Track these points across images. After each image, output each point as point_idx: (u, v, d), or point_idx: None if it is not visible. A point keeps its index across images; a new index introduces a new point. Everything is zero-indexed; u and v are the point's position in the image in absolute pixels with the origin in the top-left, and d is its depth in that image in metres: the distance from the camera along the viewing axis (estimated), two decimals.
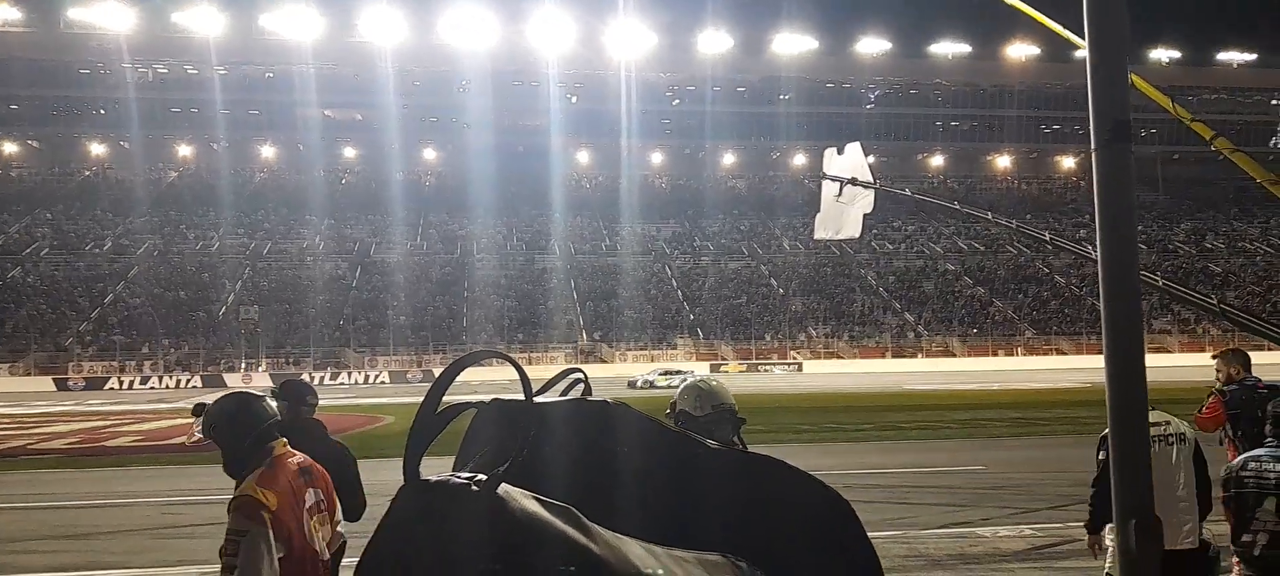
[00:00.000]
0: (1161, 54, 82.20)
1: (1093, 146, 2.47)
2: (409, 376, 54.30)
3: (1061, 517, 9.76)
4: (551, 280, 66.97)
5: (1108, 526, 5.54)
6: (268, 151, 79.56)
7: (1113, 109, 2.45)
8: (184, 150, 78.84)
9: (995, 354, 61.23)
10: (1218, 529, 5.22)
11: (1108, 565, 5.44)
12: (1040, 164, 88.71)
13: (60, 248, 67.24)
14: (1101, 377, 2.38)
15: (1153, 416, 5.26)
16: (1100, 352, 2.44)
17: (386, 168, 76.15)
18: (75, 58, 72.05)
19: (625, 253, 71.37)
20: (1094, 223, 2.51)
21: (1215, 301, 5.74)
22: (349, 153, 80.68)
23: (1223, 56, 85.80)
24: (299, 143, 77.30)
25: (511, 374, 1.72)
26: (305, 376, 48.81)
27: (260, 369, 55.06)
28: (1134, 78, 3.83)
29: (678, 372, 46.51)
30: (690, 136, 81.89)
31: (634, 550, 1.59)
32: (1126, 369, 2.48)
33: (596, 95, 78.04)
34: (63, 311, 60.54)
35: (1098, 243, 2.46)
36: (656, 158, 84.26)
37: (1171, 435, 5.27)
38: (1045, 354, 61.20)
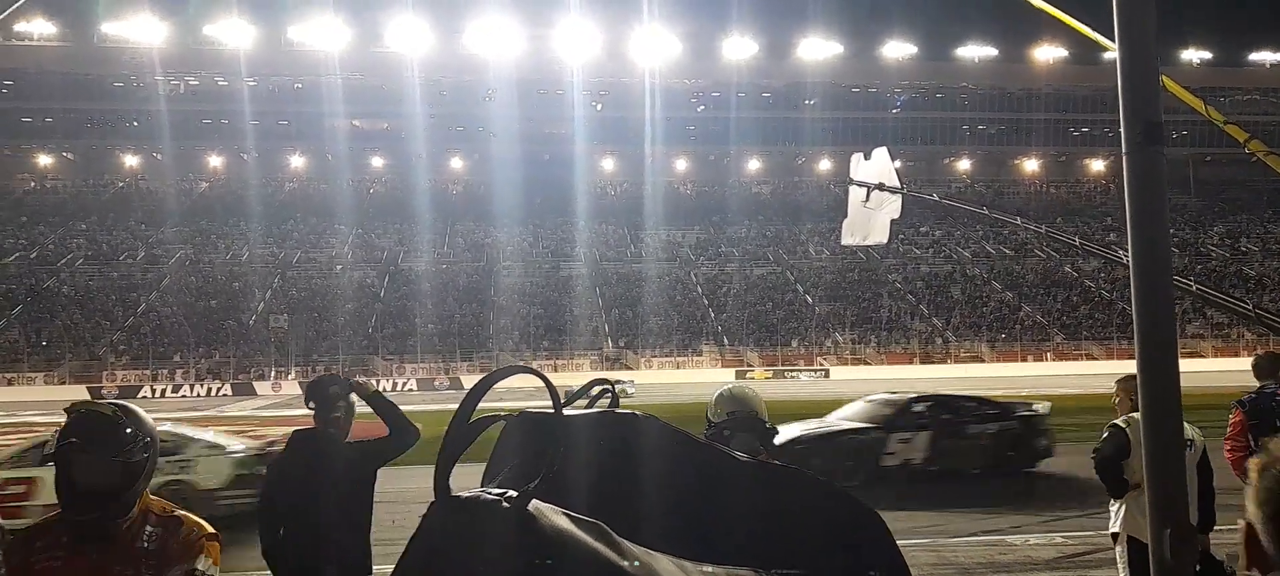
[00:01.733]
0: (1193, 55, 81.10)
1: (1124, 150, 2.44)
2: (436, 383, 54.55)
3: (1093, 525, 9.63)
4: (577, 287, 67.09)
5: (1114, 533, 5.47)
6: (297, 161, 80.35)
7: (1144, 112, 2.42)
8: (214, 161, 79.78)
9: (1024, 359, 60.59)
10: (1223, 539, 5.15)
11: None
12: (1069, 167, 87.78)
13: (94, 258, 68.27)
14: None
15: None
16: (1132, 357, 2.41)
17: (413, 177, 76.66)
18: (109, 71, 73.16)
19: (650, 259, 71.38)
20: (1125, 226, 2.48)
21: (1250, 306, 5.66)
22: (376, 162, 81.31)
23: (1255, 57, 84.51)
24: (327, 153, 78.02)
25: (538, 381, 1.72)
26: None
27: (290, 376, 55.55)
28: (1165, 80, 3.78)
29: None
30: (715, 142, 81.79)
31: (664, 566, 1.59)
32: (1159, 374, 2.45)
33: (621, 102, 78.21)
34: (97, 321, 61.42)
35: (1129, 246, 2.43)
36: (681, 164, 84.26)
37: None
38: (1075, 359, 60.47)
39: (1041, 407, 15.29)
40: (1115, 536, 5.47)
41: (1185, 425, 5.19)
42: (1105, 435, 5.45)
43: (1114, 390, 5.78)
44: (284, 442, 4.89)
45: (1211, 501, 5.28)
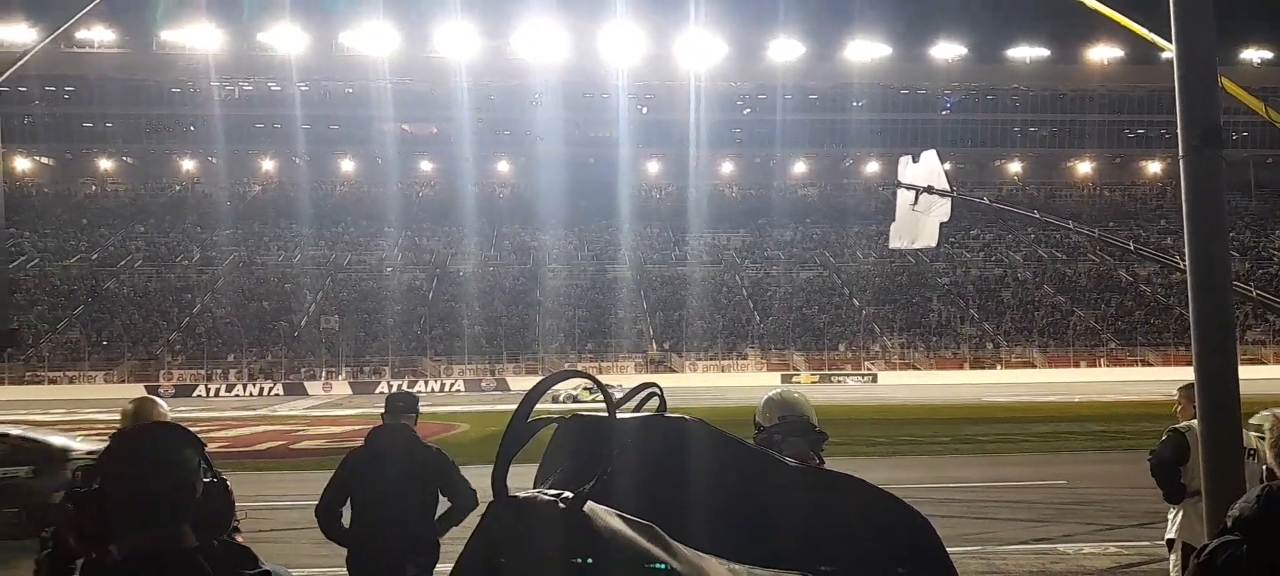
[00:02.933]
0: (1252, 55, 78.90)
1: (1181, 154, 2.41)
2: (483, 385, 55.04)
3: (1148, 535, 9.43)
4: (621, 290, 67.25)
5: (1170, 540, 5.38)
6: (347, 165, 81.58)
7: (1202, 115, 2.38)
8: (267, 165, 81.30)
9: (1077, 365, 59.46)
10: None
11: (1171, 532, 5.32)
12: (1124, 169, 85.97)
13: (152, 259, 69.95)
14: None
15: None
16: (1190, 364, 2.38)
17: (461, 180, 77.43)
18: (167, 77, 74.93)
19: (695, 262, 71.31)
20: (1183, 231, 2.44)
21: None
22: (425, 166, 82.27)
23: None
24: (377, 156, 79.10)
25: (584, 383, 1.75)
26: (383, 387, 49.99)
27: (340, 377, 56.43)
28: (1223, 81, 3.71)
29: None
30: (761, 145, 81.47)
31: (714, 568, 1.61)
32: (1219, 381, 2.41)
33: (667, 105, 78.28)
34: (154, 321, 62.94)
35: (1186, 251, 2.39)
36: (727, 167, 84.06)
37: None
38: (1130, 365, 59.21)
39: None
40: (1171, 543, 5.37)
41: (1248, 434, 5.10)
42: (1164, 439, 5.36)
43: (1176, 397, 5.68)
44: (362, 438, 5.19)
45: None
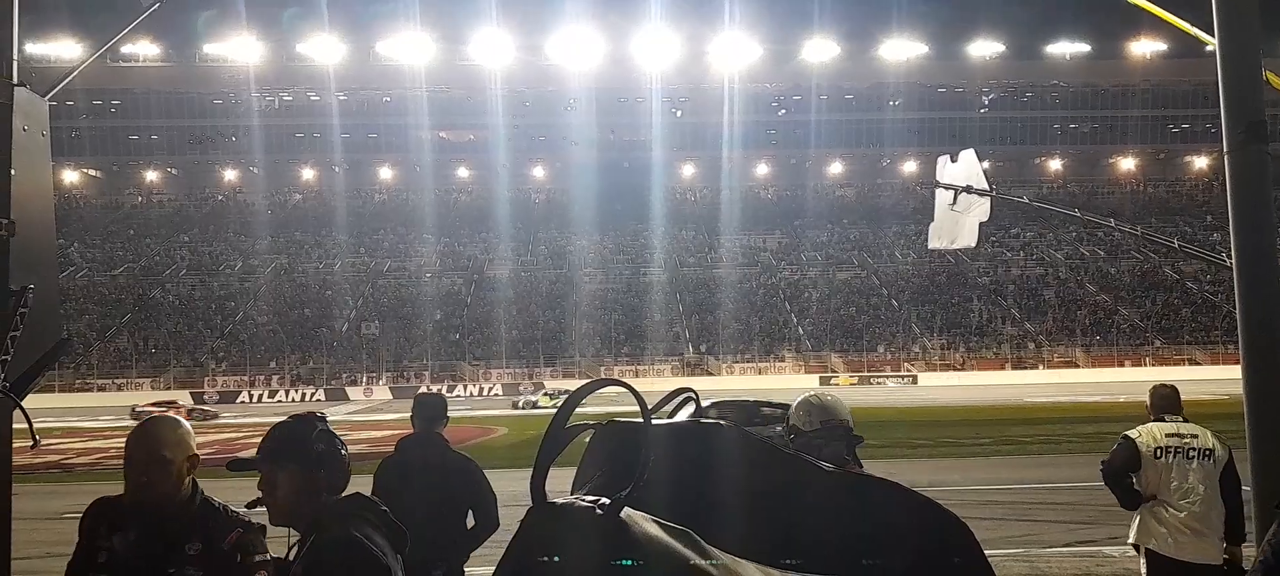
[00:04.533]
0: None
1: (1225, 149, 2.37)
2: (521, 388, 55.22)
3: None
4: (656, 293, 67.25)
5: (1135, 544, 5.37)
6: (385, 173, 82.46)
7: (1246, 110, 2.34)
8: (307, 174, 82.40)
9: (1121, 364, 58.42)
10: None
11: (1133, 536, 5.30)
12: (1167, 165, 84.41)
13: (196, 269, 71.21)
14: (1239, 389, 2.27)
15: (1179, 428, 5.05)
16: (1237, 362, 2.34)
17: (497, 186, 77.94)
18: (209, 89, 76.30)
19: (730, 264, 71.11)
20: (1228, 226, 2.40)
21: None
22: (462, 172, 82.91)
23: None
24: (415, 164, 79.86)
25: (619, 388, 1.76)
26: (425, 388, 50.23)
27: (380, 382, 57.01)
28: (1268, 74, 3.64)
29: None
30: (796, 146, 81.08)
31: (751, 573, 1.61)
32: (1267, 379, 2.37)
33: (701, 108, 78.19)
34: (198, 329, 64.04)
35: (1231, 246, 2.35)
36: (762, 168, 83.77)
37: (1195, 449, 5.04)
38: (1176, 364, 58.03)
39: None
40: (1136, 547, 5.34)
41: (1209, 436, 5.05)
42: (1115, 446, 5.36)
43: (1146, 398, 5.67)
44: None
45: (1241, 514, 5.09)
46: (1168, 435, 5.15)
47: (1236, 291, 2.31)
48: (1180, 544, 5.06)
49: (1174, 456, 5.06)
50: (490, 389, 56.23)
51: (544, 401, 41.54)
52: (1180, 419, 5.20)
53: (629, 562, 1.45)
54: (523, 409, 39.39)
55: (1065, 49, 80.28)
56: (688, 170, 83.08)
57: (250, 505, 2.44)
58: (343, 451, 2.44)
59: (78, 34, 60.38)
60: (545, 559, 1.47)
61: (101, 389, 56.25)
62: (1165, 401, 5.27)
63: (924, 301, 66.74)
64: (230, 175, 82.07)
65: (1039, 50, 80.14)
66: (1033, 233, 74.10)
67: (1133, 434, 5.27)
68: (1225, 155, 2.38)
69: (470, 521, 5.04)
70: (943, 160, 6.76)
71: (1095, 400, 35.22)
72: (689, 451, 1.96)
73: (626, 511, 1.49)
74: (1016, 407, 31.99)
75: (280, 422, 2.46)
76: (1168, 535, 5.10)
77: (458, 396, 55.15)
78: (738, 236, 74.10)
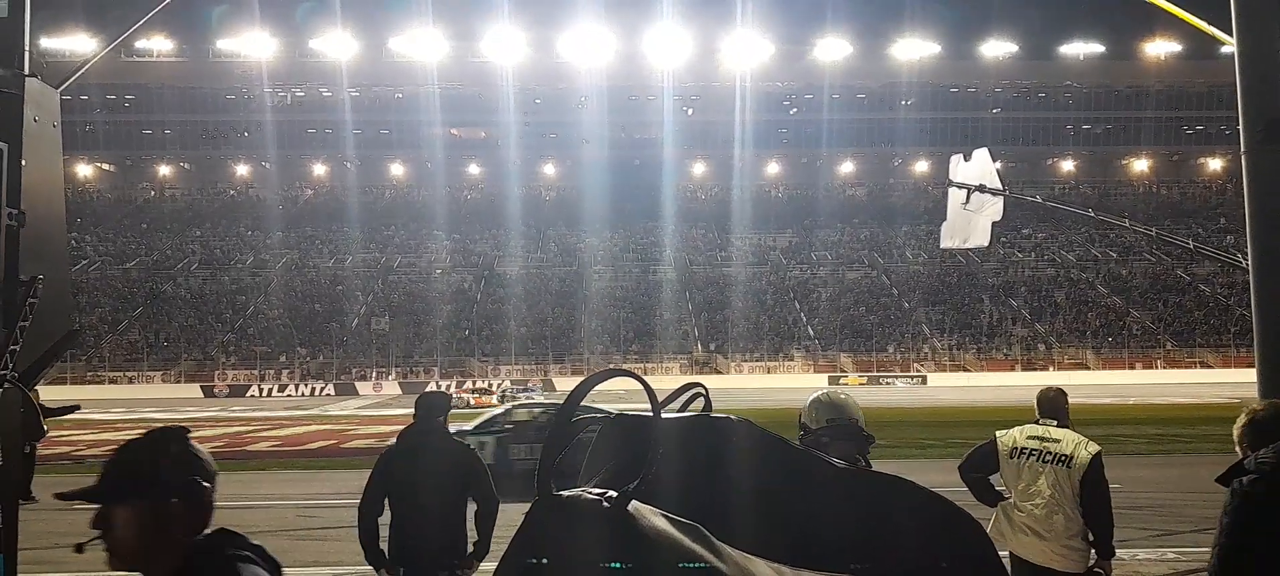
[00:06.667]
0: None
1: (1243, 149, 2.34)
2: (530, 385, 55.31)
3: (1206, 541, 9.17)
4: (666, 291, 67.25)
5: None
6: (396, 169, 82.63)
7: (1265, 109, 2.31)
8: (318, 169, 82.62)
9: (1132, 367, 58.17)
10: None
11: None
12: (1182, 167, 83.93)
13: (207, 263, 71.50)
14: (1252, 392, 2.25)
15: (1046, 432, 5.00)
16: (1251, 365, 2.32)
17: (508, 183, 78.00)
18: (222, 84, 76.59)
19: (741, 263, 71.03)
20: (1243, 228, 2.37)
21: None
22: (473, 169, 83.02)
23: None
24: (426, 160, 79.99)
25: (628, 383, 1.74)
26: (433, 386, 50.40)
27: (390, 377, 57.16)
28: None
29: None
30: (807, 145, 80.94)
31: (761, 569, 1.60)
32: None
33: (712, 106, 78.10)
34: (209, 323, 64.30)
35: (1248, 248, 2.32)
36: (773, 167, 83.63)
37: (1051, 454, 5.05)
38: (1188, 367, 57.76)
39: None
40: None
41: (1073, 440, 5.01)
42: (980, 444, 5.41)
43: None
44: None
45: (1100, 518, 5.01)
46: (1029, 437, 5.15)
47: (1252, 292, 2.28)
48: (1022, 544, 5.05)
49: (1027, 458, 5.09)
50: (500, 385, 56.19)
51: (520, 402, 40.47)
52: (1055, 423, 5.16)
53: (618, 565, 1.44)
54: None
55: (1079, 49, 79.90)
56: (699, 168, 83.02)
57: (78, 548, 1.93)
58: (206, 483, 1.96)
59: (93, 29, 60.67)
60: (550, 553, 1.46)
61: (112, 381, 56.54)
62: (1047, 404, 5.27)
63: (934, 302, 66.56)
64: (242, 170, 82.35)
65: (1052, 51, 79.78)
66: (1044, 233, 73.82)
67: (1000, 433, 5.31)
68: (1243, 154, 2.35)
69: (476, 513, 5.12)
70: (956, 159, 6.73)
71: (1106, 403, 35.04)
72: (699, 445, 1.95)
73: (634, 505, 1.48)
74: (1026, 409, 31.70)
75: (126, 444, 2.02)
76: (1013, 535, 5.10)
77: (467, 391, 55.26)
78: (748, 235, 74.01)
